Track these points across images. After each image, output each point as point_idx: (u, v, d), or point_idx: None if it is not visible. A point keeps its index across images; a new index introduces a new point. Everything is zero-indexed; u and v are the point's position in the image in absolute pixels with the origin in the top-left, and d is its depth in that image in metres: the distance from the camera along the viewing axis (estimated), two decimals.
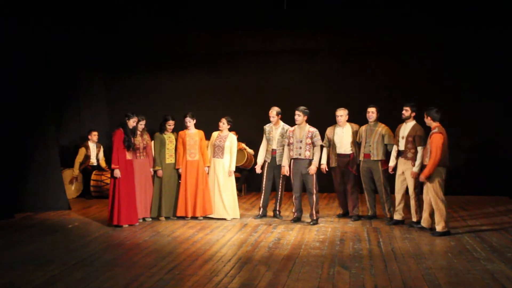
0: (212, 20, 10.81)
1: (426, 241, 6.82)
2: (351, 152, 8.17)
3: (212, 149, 8.38)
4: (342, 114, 8.15)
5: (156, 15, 10.86)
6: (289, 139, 8.07)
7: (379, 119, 8.08)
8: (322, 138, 8.16)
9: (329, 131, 8.31)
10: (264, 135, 8.43)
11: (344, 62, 10.97)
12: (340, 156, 8.20)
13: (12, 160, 8.69)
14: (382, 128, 7.97)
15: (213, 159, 8.35)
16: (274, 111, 8.29)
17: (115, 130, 7.85)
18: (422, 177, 7.17)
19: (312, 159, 7.93)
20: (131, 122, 7.87)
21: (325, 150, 8.18)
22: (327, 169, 8.18)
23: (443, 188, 7.16)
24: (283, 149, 8.22)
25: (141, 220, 8.10)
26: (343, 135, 8.17)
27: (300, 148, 7.94)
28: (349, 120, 8.29)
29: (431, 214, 7.35)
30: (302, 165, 7.95)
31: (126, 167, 7.81)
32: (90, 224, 8.10)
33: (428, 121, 7.26)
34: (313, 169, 7.89)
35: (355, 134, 8.16)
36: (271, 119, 8.30)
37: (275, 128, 8.33)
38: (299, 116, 7.98)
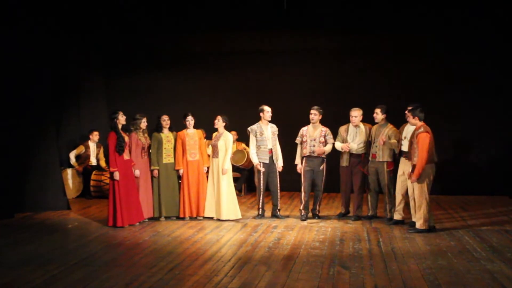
0: (212, 20, 10.80)
1: (426, 241, 6.82)
2: (362, 152, 8.18)
3: (209, 150, 8.39)
4: (357, 114, 8.15)
5: (156, 15, 10.86)
6: (302, 137, 8.18)
7: (388, 119, 8.07)
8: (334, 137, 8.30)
9: (342, 129, 8.32)
10: (253, 136, 8.34)
11: (344, 62, 10.97)
12: (352, 156, 8.21)
13: (12, 160, 8.69)
14: (389, 130, 7.95)
15: (212, 159, 8.37)
16: (270, 108, 8.32)
17: (109, 133, 7.87)
18: (413, 178, 7.20)
19: (324, 158, 8.20)
20: (121, 119, 7.85)
21: (339, 143, 8.25)
22: (348, 144, 8.20)
23: (429, 186, 7.21)
24: (276, 147, 8.34)
25: (146, 220, 8.15)
26: (356, 135, 8.18)
27: (313, 146, 8.12)
28: (347, 121, 8.30)
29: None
30: (315, 163, 8.14)
31: (125, 168, 7.81)
32: (90, 224, 8.11)
33: (413, 121, 7.28)
34: (320, 150, 8.09)
35: (368, 134, 8.17)
36: (269, 117, 8.29)
37: (266, 128, 8.34)
38: (315, 115, 8.18)
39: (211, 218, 8.27)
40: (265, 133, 8.30)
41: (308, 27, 10.83)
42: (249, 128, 8.40)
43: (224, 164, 8.24)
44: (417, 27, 10.40)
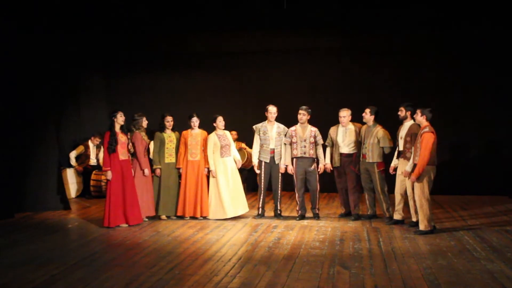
0: (212, 20, 10.81)
1: (426, 241, 6.82)
2: (353, 151, 8.20)
3: (217, 151, 8.32)
4: (345, 115, 8.19)
5: (157, 15, 10.86)
6: (292, 138, 8.15)
7: (378, 120, 8.08)
8: (324, 138, 8.27)
9: (332, 130, 8.36)
10: (257, 135, 8.38)
11: (344, 62, 10.97)
12: (342, 155, 8.23)
13: (12, 160, 8.69)
14: (378, 131, 7.96)
15: (223, 159, 8.32)
16: (275, 108, 8.31)
17: (105, 132, 7.87)
18: (413, 177, 7.15)
19: (315, 158, 8.18)
20: (119, 119, 7.84)
21: (328, 150, 8.30)
22: (331, 168, 8.32)
23: (430, 187, 7.17)
24: (280, 147, 8.27)
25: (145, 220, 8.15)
26: (346, 135, 8.21)
27: (305, 147, 8.12)
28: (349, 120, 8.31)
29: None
30: (306, 163, 8.13)
31: (121, 168, 7.80)
32: (90, 224, 8.10)
33: (421, 119, 7.25)
34: (322, 167, 8.21)
35: (358, 133, 8.19)
36: (274, 116, 8.28)
37: (271, 128, 8.33)
38: (304, 116, 8.16)
39: (211, 219, 8.27)
40: (269, 133, 8.29)
41: (308, 27, 10.84)
42: (254, 126, 8.42)
43: (238, 157, 8.55)
44: (417, 27, 10.41)
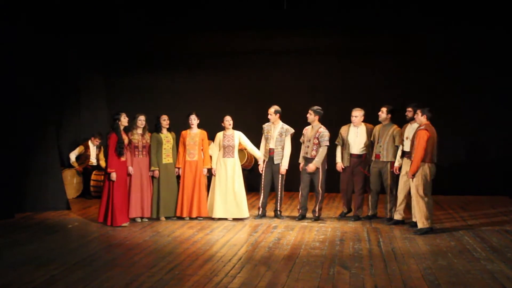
0: (212, 20, 10.80)
1: (426, 241, 6.83)
2: (363, 152, 8.17)
3: (221, 150, 8.33)
4: (357, 114, 8.14)
5: (156, 15, 10.86)
6: (303, 137, 8.21)
7: (393, 120, 8.06)
8: (333, 138, 8.23)
9: (343, 130, 8.31)
10: (263, 134, 8.42)
11: (344, 62, 10.97)
12: (352, 156, 8.20)
13: (12, 160, 8.68)
14: (394, 130, 7.94)
15: (223, 159, 8.30)
16: (272, 109, 8.29)
17: (109, 133, 7.87)
18: (409, 174, 7.24)
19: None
20: (123, 121, 7.85)
21: (338, 149, 8.27)
22: (343, 167, 8.25)
23: (427, 185, 7.19)
24: (281, 148, 8.24)
25: (139, 220, 8.12)
26: (357, 135, 8.18)
27: (308, 147, 8.11)
28: (347, 120, 8.29)
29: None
30: (309, 164, 8.08)
31: (121, 169, 7.82)
32: (90, 224, 8.10)
33: (421, 119, 7.28)
34: (311, 167, 8.03)
35: (369, 134, 8.16)
36: (269, 116, 8.30)
37: (273, 127, 8.33)
38: (310, 115, 8.14)
39: (212, 219, 8.26)
40: (271, 133, 8.29)
41: (308, 27, 10.83)
42: (263, 125, 8.46)
43: (257, 153, 8.40)
44: (417, 27, 10.41)
